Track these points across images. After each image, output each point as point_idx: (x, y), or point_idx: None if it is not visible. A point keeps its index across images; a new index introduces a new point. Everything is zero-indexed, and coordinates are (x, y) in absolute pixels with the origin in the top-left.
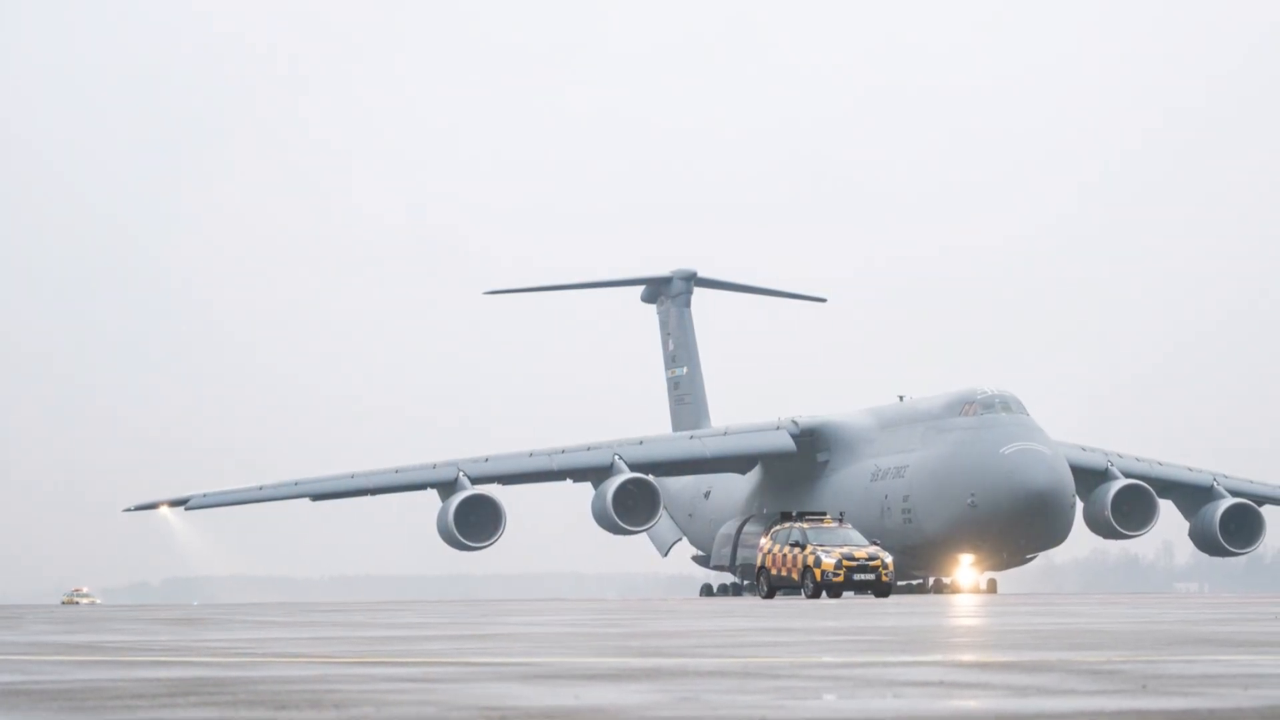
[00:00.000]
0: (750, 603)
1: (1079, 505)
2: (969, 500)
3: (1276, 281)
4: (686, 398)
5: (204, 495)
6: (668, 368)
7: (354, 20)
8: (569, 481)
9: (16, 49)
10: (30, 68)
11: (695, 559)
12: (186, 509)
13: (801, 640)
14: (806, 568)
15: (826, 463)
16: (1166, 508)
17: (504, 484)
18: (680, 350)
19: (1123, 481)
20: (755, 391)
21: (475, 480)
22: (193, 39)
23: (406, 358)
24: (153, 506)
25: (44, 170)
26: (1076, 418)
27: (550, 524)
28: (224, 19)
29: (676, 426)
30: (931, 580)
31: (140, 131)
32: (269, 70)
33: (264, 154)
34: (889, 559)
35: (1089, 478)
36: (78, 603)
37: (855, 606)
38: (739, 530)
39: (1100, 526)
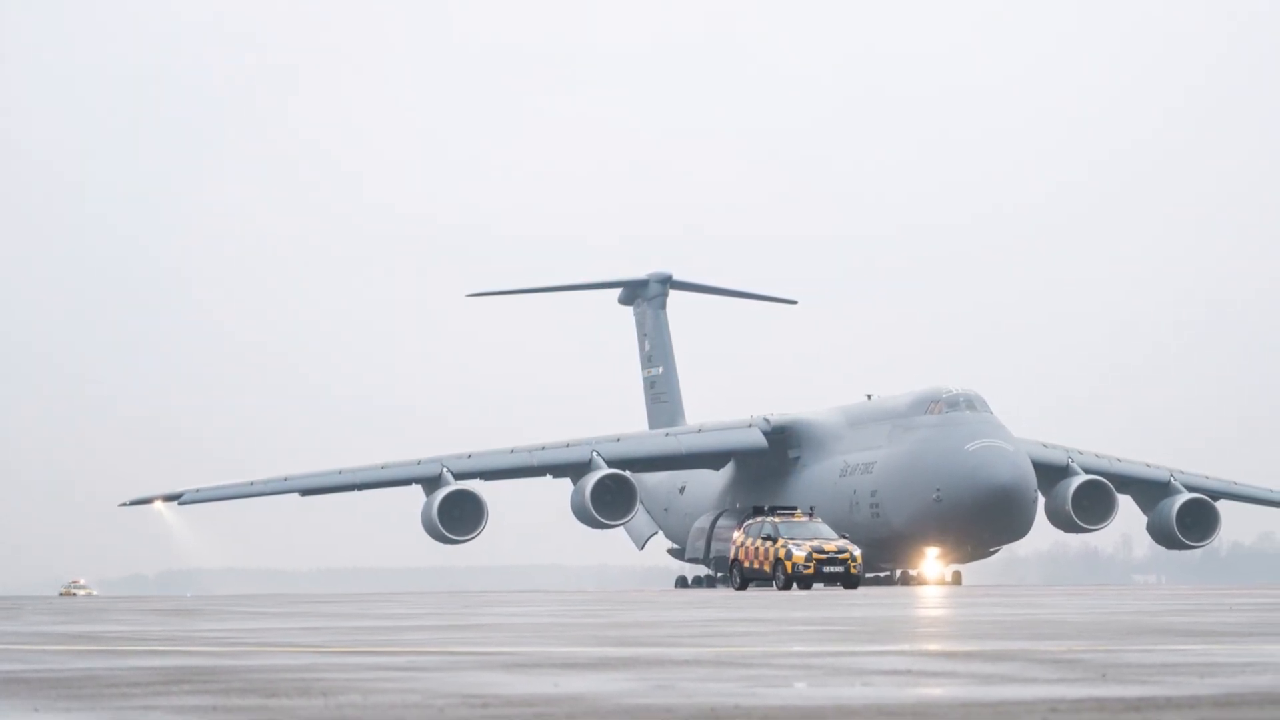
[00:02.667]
0: (723, 594)
1: (1041, 500)
2: (935, 495)
3: (1232, 286)
4: (662, 396)
5: (197, 490)
6: (644, 367)
7: (342, 28)
8: (549, 477)
9: (20, 55)
10: (32, 73)
11: (671, 552)
12: (180, 504)
13: (773, 630)
14: (778, 560)
15: (797, 459)
16: (1125, 502)
17: (486, 479)
18: (656, 350)
19: (1083, 477)
20: (728, 390)
21: (459, 476)
22: (188, 45)
23: (392, 357)
24: (148, 501)
25: (40, 171)
26: (1039, 416)
27: (531, 518)
28: (217, 25)
29: (653, 424)
30: (899, 572)
31: (135, 134)
32: (260, 74)
33: (255, 157)
34: (857, 552)
35: (1050, 473)
36: (75, 594)
37: (825, 598)
38: (713, 524)
39: (1061, 520)
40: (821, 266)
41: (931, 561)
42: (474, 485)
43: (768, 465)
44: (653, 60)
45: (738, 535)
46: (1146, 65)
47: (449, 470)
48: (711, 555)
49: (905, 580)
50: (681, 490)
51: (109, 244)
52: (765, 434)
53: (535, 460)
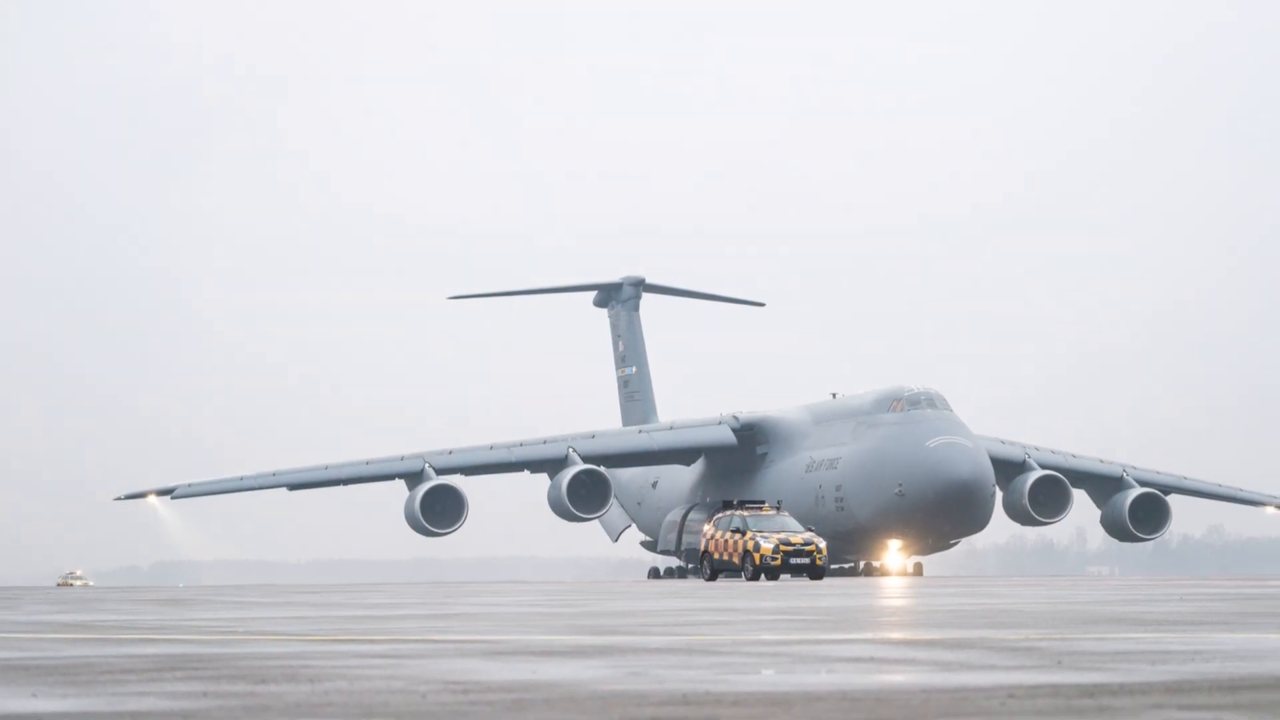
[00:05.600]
0: (694, 585)
1: (999, 494)
2: (897, 490)
3: (1183, 289)
4: (635, 395)
5: (189, 485)
6: (618, 367)
7: (324, 43)
8: (527, 472)
9: (17, 70)
10: (32, 86)
11: (644, 544)
12: (173, 498)
13: (742, 619)
14: (746, 552)
15: (765, 455)
16: (1080, 497)
17: (466, 475)
18: (630, 351)
19: (1039, 472)
20: (699, 389)
21: (440, 471)
22: (180, 57)
23: (377, 358)
24: (141, 495)
25: (40, 178)
26: (997, 413)
27: (509, 512)
28: (206, 40)
29: (626, 421)
30: (862, 564)
31: (130, 142)
32: (249, 86)
33: (245, 165)
34: (823, 544)
35: (1008, 469)
36: (72, 585)
37: (791, 588)
38: (684, 517)
39: (1018, 514)
40: (788, 270)
41: (894, 553)
42: (455, 480)
43: (737, 461)
44: (625, 73)
45: (708, 528)
46: (1097, 71)
47: (431, 466)
48: (683, 547)
49: (868, 571)
50: (654, 485)
51: (104, 249)
52: (734, 431)
53: (513, 456)
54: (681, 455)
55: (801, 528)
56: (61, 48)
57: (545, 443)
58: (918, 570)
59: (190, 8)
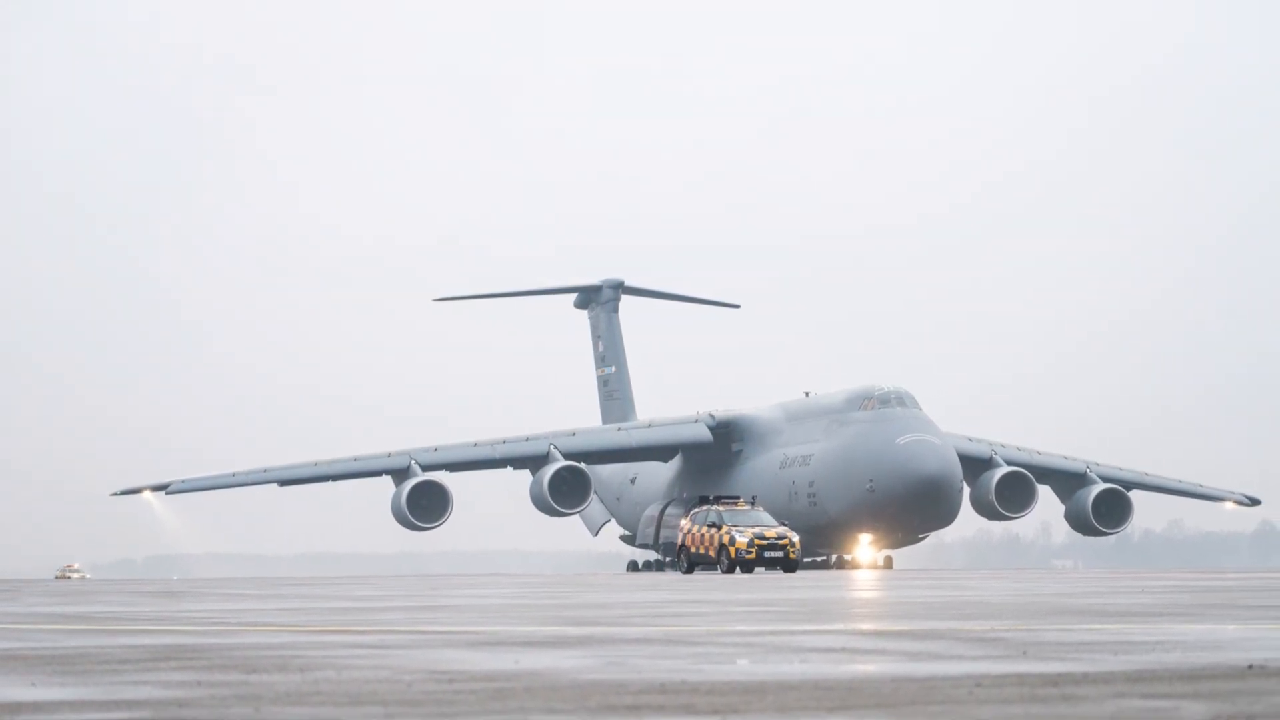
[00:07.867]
0: (671, 578)
1: (966, 490)
2: (868, 486)
3: (1143, 289)
4: (615, 394)
5: (183, 481)
6: (598, 367)
7: (315, 53)
8: (510, 469)
9: (16, 72)
10: (27, 89)
11: (623, 538)
12: (167, 493)
13: (718, 611)
14: (722, 546)
15: (740, 452)
16: (1045, 492)
17: (451, 471)
18: (609, 351)
19: (1005, 469)
20: (676, 388)
21: (426, 468)
22: (175, 58)
23: (365, 357)
24: (137, 491)
25: (37, 182)
26: (964, 411)
27: (493, 507)
28: (204, 41)
29: (606, 420)
30: (834, 557)
31: (124, 148)
32: (243, 87)
33: (237, 169)
34: (796, 538)
35: (975, 465)
36: (69, 577)
37: (766, 581)
38: (662, 512)
39: (985, 509)
40: (763, 273)
41: (865, 547)
42: (440, 476)
43: (713, 458)
44: (616, 74)
45: (685, 523)
46: (1061, 82)
47: (416, 462)
48: (661, 541)
49: (840, 564)
50: (633, 481)
51: (102, 255)
52: (710, 429)
53: (497, 453)
54: (659, 452)
55: (775, 522)
56: (59, 49)
57: (527, 440)
58: (888, 563)
59: (187, 9)
